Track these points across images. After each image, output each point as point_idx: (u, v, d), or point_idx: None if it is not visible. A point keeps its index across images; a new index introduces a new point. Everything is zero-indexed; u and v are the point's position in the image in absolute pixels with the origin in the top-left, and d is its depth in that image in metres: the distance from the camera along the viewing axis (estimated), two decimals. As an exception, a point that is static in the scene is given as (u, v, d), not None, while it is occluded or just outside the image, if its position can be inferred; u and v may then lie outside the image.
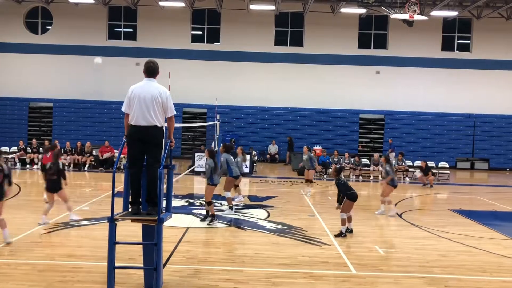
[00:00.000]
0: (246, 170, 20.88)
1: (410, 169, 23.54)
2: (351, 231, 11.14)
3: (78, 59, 28.91)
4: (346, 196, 10.98)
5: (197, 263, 8.64)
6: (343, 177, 11.38)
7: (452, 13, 26.93)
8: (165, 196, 7.47)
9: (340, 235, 10.84)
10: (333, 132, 28.89)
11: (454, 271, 8.72)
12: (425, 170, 21.23)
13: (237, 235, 10.98)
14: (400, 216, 13.74)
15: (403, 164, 22.88)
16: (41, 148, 23.44)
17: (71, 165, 23.03)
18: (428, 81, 29.27)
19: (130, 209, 7.01)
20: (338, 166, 12.30)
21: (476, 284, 8.07)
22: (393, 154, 24.39)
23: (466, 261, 9.42)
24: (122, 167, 9.45)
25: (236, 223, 12.10)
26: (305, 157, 17.54)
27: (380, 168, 22.75)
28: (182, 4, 27.17)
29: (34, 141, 24.02)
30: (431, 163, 23.23)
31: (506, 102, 29.26)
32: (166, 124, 7.13)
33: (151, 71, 7.05)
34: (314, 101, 29.09)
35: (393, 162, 22.78)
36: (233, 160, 13.75)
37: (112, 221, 6.64)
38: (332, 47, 29.16)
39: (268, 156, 28.52)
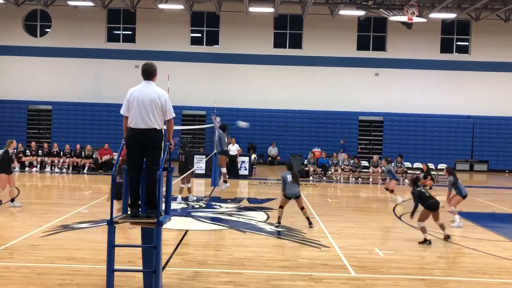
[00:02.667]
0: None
1: (409, 171, 23.54)
2: (448, 237, 10.91)
3: (77, 62, 28.92)
4: (426, 206, 10.85)
5: (196, 266, 8.62)
6: (420, 187, 11.20)
7: (451, 15, 26.97)
8: (164, 198, 7.46)
9: (424, 242, 10.67)
10: (332, 134, 28.87)
11: (454, 273, 8.72)
12: (425, 174, 21.14)
13: (237, 238, 10.96)
14: (399, 218, 13.74)
15: (402, 166, 22.87)
16: (40, 151, 23.43)
17: (70, 168, 23.02)
18: (427, 83, 29.29)
19: (129, 212, 7.01)
20: (414, 177, 12.07)
21: (475, 286, 8.06)
22: (344, 154, 24.32)
23: (465, 263, 9.42)
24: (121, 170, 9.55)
25: (236, 226, 12.08)
26: (383, 168, 19.26)
27: (379, 170, 22.82)
28: (181, 7, 27.18)
29: (33, 143, 23.99)
30: (430, 165, 23.20)
31: (505, 104, 29.28)
32: (165, 127, 7.13)
33: (148, 74, 7.05)
34: (313, 103, 29.09)
35: (342, 162, 23.06)
36: (224, 136, 14.53)
37: (111, 224, 6.63)
38: (331, 49, 29.18)
39: (268, 158, 28.51)
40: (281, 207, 12.17)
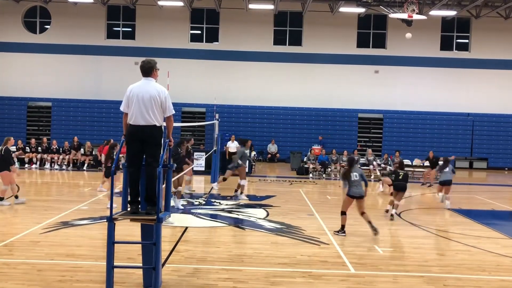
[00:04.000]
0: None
1: (408, 168, 23.52)
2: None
3: (77, 59, 28.91)
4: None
5: (196, 263, 8.64)
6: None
7: (451, 13, 26.95)
8: (164, 195, 7.45)
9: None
10: (332, 131, 28.89)
11: (453, 270, 8.73)
12: (432, 163, 20.81)
13: (236, 235, 10.97)
14: (398, 215, 13.74)
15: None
16: (39, 148, 23.43)
17: (70, 164, 23.04)
18: (427, 80, 29.29)
19: (129, 209, 7.01)
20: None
21: (474, 283, 8.07)
22: (323, 151, 24.35)
23: (464, 260, 9.43)
24: (120, 166, 9.52)
25: (235, 222, 12.09)
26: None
27: (375, 164, 22.91)
28: (180, 4, 27.16)
29: (33, 140, 23.98)
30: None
31: (504, 101, 29.30)
32: (165, 124, 7.13)
33: (144, 71, 7.05)
34: (313, 101, 29.11)
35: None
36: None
37: (111, 220, 6.63)
38: (331, 47, 29.17)
39: (268, 155, 28.52)
40: (344, 213, 10.96)
